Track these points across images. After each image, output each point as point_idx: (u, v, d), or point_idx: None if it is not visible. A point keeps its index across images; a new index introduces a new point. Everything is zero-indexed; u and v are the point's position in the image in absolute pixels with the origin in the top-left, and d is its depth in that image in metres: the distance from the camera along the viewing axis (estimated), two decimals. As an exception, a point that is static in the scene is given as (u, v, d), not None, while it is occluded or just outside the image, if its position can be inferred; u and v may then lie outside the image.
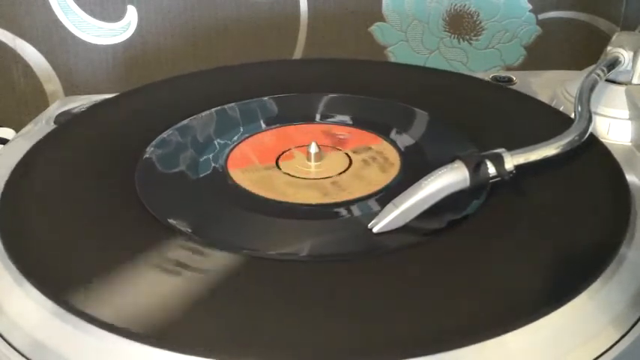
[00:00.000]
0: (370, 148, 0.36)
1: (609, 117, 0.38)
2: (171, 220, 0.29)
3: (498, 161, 0.30)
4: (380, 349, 0.22)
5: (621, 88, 0.38)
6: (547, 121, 0.38)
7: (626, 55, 0.39)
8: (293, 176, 0.33)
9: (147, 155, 0.35)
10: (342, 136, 0.37)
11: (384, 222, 0.28)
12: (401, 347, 0.22)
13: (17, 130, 0.46)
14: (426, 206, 0.28)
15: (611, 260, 0.26)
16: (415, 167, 0.33)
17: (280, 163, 0.34)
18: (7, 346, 0.24)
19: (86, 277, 0.26)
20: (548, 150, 0.31)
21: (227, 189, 0.32)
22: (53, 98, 0.60)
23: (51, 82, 0.60)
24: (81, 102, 0.43)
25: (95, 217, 0.30)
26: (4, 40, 0.58)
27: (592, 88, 0.36)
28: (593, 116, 0.34)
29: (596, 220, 0.29)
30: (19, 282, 0.26)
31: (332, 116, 0.40)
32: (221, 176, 0.33)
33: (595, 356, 0.23)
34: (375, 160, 0.35)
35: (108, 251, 0.28)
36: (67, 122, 0.39)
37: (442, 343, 0.22)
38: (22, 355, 0.24)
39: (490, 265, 0.27)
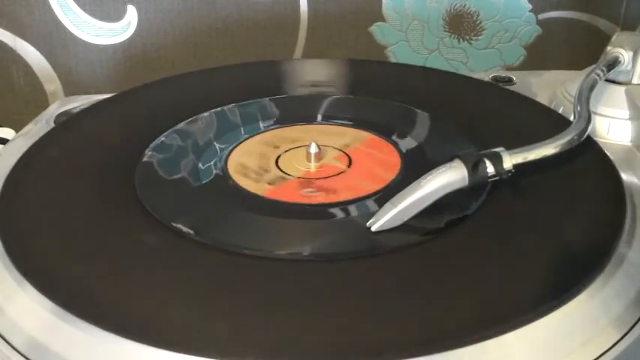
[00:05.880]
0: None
1: (609, 117, 0.38)
2: (170, 221, 0.29)
3: (497, 160, 0.30)
4: (380, 349, 0.22)
5: (621, 88, 0.39)
6: (547, 121, 0.38)
7: (626, 55, 0.39)
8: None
9: (146, 156, 0.35)
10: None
11: (382, 220, 0.28)
12: (401, 347, 0.22)
13: (17, 130, 0.46)
14: (424, 205, 0.28)
15: (611, 260, 0.26)
16: (415, 167, 0.33)
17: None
18: (7, 346, 0.24)
19: (86, 278, 0.26)
20: (547, 149, 0.31)
21: (227, 190, 0.32)
22: (53, 98, 0.60)
23: (51, 82, 0.60)
24: (81, 102, 0.43)
25: (95, 218, 0.30)
26: (5, 40, 0.58)
27: (591, 88, 0.36)
28: (593, 116, 0.34)
29: (596, 220, 0.29)
30: (19, 282, 0.26)
31: (332, 117, 0.40)
32: (221, 178, 0.33)
33: (595, 356, 0.23)
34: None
35: (108, 252, 0.28)
36: (64, 122, 0.39)
37: (442, 343, 0.22)
38: (22, 355, 0.24)
39: (490, 264, 0.27)
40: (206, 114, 0.39)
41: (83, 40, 0.58)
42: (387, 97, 0.41)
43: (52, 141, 0.37)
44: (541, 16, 0.62)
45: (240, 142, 0.36)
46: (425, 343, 0.22)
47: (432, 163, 0.30)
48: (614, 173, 0.32)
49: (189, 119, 0.38)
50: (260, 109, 0.40)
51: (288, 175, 0.33)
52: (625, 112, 0.38)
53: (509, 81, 0.46)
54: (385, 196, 0.30)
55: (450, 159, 0.29)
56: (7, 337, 0.24)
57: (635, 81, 0.39)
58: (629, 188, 0.32)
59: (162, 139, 0.36)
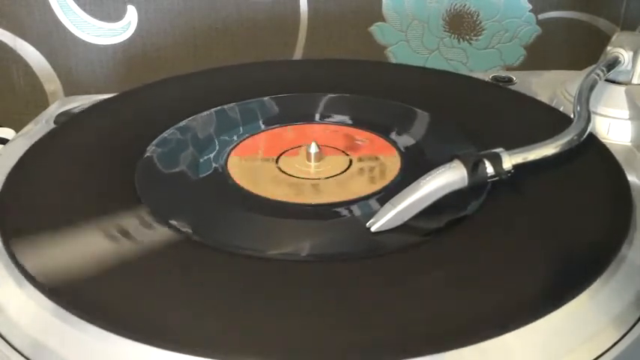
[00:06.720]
0: (377, 159, 0.35)
1: (609, 117, 0.38)
2: (171, 221, 0.29)
3: (496, 161, 0.30)
4: (380, 349, 0.22)
5: (621, 88, 0.38)
6: (547, 121, 0.38)
7: (626, 55, 0.39)
8: (283, 172, 0.33)
9: (147, 154, 0.35)
10: (359, 142, 0.37)
11: (382, 221, 0.28)
12: (401, 347, 0.22)
13: (17, 130, 0.46)
14: (424, 205, 0.28)
15: (611, 260, 0.26)
16: (414, 167, 0.33)
17: (281, 158, 0.34)
18: (7, 346, 0.24)
19: (86, 277, 0.26)
20: (546, 150, 0.31)
21: (227, 189, 0.32)
22: (53, 98, 0.60)
23: (51, 82, 0.60)
24: (81, 102, 0.43)
25: (96, 217, 0.30)
26: (5, 40, 0.58)
27: (591, 88, 0.36)
28: (593, 116, 0.34)
29: (596, 220, 0.29)
30: (19, 282, 0.26)
31: (332, 116, 0.40)
32: (221, 176, 0.33)
33: (595, 356, 0.23)
34: (374, 170, 0.34)
35: (108, 251, 0.27)
36: (66, 122, 0.39)
37: (442, 343, 0.22)
38: (22, 355, 0.24)
39: (490, 265, 0.27)
40: (206, 113, 0.39)
41: (83, 40, 0.58)
42: (387, 97, 0.41)
43: (53, 140, 0.37)
44: (541, 16, 0.62)
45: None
46: (425, 343, 0.22)
47: (431, 163, 0.30)
48: (620, 173, 0.32)
49: (189, 118, 0.38)
50: (260, 108, 0.40)
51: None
52: (625, 112, 0.38)
53: (509, 81, 0.46)
54: (385, 196, 0.30)
55: (450, 159, 0.29)
56: (7, 337, 0.24)
57: (635, 81, 0.39)
58: (629, 188, 0.32)
59: (164, 136, 0.36)
